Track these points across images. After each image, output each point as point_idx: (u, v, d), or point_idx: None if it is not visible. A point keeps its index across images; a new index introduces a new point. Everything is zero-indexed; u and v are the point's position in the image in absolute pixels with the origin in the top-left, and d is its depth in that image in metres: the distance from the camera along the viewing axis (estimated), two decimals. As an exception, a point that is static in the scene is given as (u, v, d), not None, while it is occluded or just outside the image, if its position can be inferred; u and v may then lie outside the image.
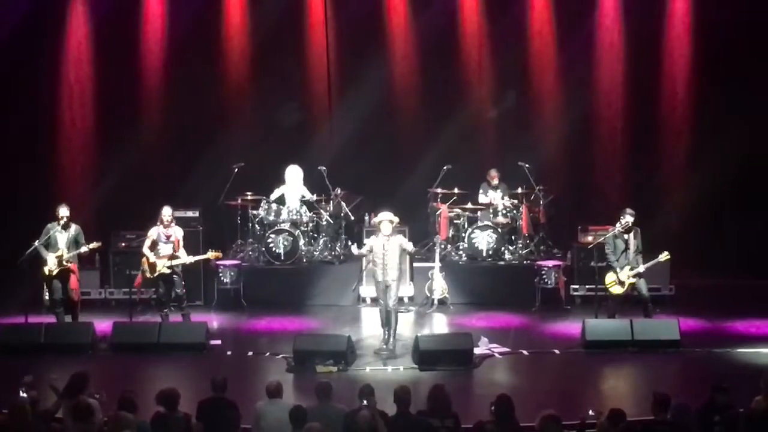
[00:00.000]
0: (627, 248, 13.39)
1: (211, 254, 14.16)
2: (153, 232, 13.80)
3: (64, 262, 13.62)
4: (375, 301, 14.03)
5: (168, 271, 13.74)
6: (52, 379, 9.54)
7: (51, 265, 13.55)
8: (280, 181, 16.19)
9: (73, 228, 13.75)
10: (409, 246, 13.02)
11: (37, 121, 17.21)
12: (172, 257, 13.71)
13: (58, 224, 13.63)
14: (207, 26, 17.53)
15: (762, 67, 16.71)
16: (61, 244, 13.62)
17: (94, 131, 17.60)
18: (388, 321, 12.81)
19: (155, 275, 13.76)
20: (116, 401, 8.64)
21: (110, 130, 17.54)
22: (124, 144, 17.35)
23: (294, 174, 16.09)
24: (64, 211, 13.65)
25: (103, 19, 17.34)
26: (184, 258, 13.86)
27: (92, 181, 17.47)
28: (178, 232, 13.87)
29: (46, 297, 14.18)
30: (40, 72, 17.17)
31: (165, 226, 13.76)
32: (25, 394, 8.90)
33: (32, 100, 17.10)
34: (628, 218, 13.38)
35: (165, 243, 13.75)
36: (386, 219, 12.81)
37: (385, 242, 12.68)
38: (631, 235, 13.40)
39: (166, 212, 13.81)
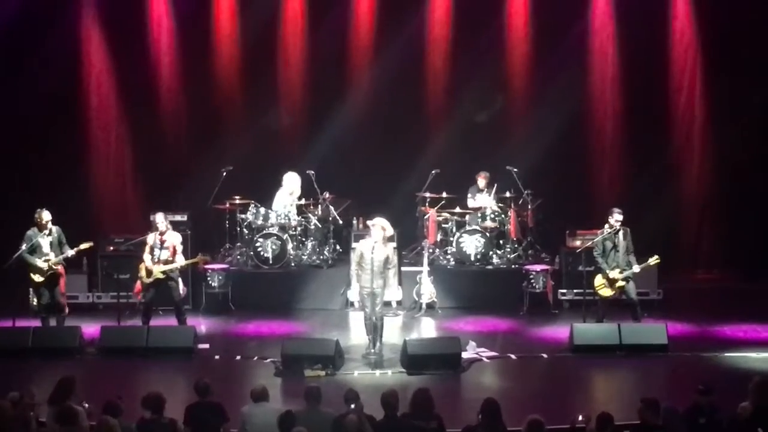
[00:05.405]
0: (615, 248, 13.40)
1: (200, 257, 14.11)
2: (150, 238, 13.73)
3: (54, 266, 13.53)
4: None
5: (162, 276, 13.64)
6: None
7: (44, 268, 13.41)
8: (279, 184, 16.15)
9: (54, 230, 13.55)
10: (393, 260, 12.80)
11: (24, 126, 17.12)
12: (166, 263, 13.64)
13: (40, 230, 13.43)
14: (195, 32, 17.51)
15: (755, 66, 16.74)
16: (46, 249, 13.46)
17: (83, 135, 17.54)
18: (374, 327, 12.78)
19: (151, 280, 13.67)
20: (101, 406, 8.60)
21: (99, 134, 17.53)
22: (113, 147, 17.34)
23: (288, 181, 16.02)
24: (46, 216, 13.44)
25: (95, 25, 17.33)
26: (178, 263, 13.75)
27: (80, 185, 17.40)
28: (175, 239, 13.73)
29: (34, 302, 14.06)
30: (27, 77, 17.11)
31: (160, 233, 13.68)
32: None
33: (18, 106, 17.01)
34: (616, 217, 13.40)
35: (160, 249, 13.66)
36: (379, 225, 12.75)
37: (375, 249, 12.62)
38: (620, 235, 13.41)
39: (159, 218, 13.71)
